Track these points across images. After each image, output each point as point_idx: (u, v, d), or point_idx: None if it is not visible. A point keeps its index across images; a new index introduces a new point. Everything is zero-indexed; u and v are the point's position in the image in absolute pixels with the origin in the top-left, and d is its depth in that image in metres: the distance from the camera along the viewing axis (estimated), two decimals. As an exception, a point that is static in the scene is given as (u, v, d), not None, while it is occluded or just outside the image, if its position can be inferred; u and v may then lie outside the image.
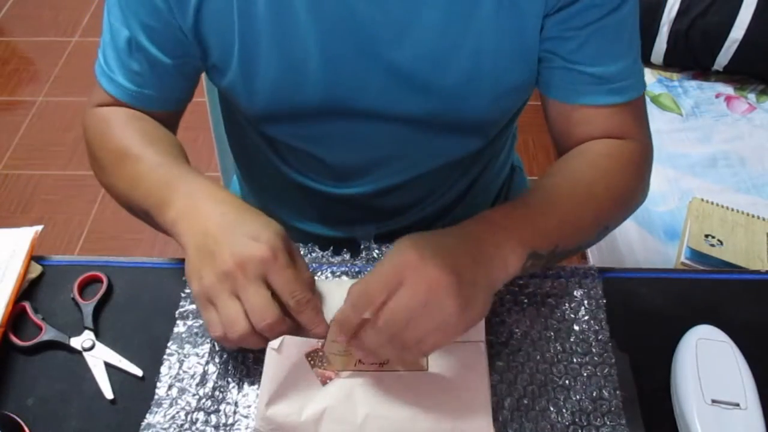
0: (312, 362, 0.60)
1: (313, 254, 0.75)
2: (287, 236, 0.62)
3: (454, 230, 0.61)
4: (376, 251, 0.75)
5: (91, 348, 0.67)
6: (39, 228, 0.75)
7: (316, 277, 0.67)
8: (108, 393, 0.64)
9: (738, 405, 0.60)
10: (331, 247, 0.77)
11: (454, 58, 0.70)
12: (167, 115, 0.79)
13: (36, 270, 0.74)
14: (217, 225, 0.61)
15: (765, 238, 1.30)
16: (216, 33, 0.70)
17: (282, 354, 0.60)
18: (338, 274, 0.73)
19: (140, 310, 0.70)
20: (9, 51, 2.58)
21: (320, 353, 0.60)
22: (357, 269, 0.74)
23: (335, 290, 0.66)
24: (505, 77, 0.72)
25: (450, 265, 0.54)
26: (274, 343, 0.60)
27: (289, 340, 0.60)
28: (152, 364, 0.65)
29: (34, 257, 0.74)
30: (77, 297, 0.71)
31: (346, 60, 0.70)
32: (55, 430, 0.62)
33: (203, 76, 1.04)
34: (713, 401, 0.60)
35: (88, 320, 0.69)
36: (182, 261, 0.74)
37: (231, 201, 0.64)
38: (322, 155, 0.80)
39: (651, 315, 0.70)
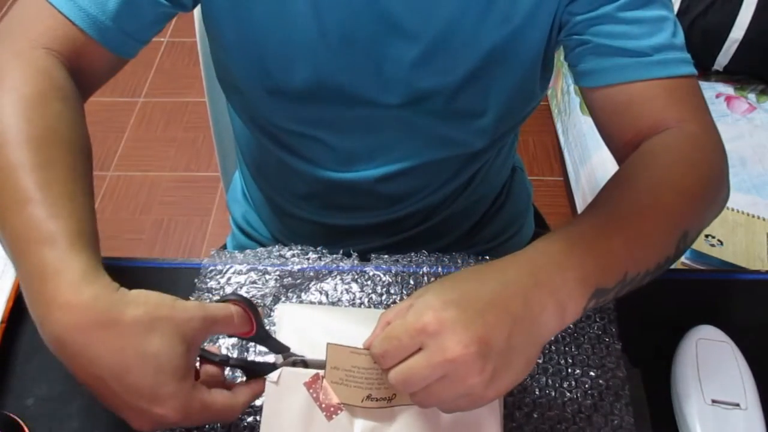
0: (314, 393, 0.57)
1: (323, 260, 0.75)
2: (187, 333, 0.52)
3: (496, 274, 0.52)
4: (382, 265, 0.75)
5: None
6: None
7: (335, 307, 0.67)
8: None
9: (738, 405, 0.60)
10: (341, 251, 0.76)
11: (464, 51, 0.69)
12: (114, 61, 0.67)
13: (36, 269, 0.73)
14: (108, 370, 0.48)
15: (765, 238, 1.30)
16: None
17: (281, 386, 0.57)
18: (348, 281, 0.73)
19: (140, 310, 0.70)
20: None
21: (321, 382, 0.57)
22: (366, 275, 0.73)
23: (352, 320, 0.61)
24: (511, 72, 0.72)
25: (476, 333, 0.47)
26: (272, 376, 0.57)
27: (288, 370, 0.57)
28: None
29: (34, 257, 0.74)
30: None
31: (357, 48, 0.69)
32: (55, 430, 0.62)
33: (203, 75, 1.04)
34: (713, 401, 0.60)
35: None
36: (183, 261, 0.74)
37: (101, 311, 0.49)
38: (322, 137, 0.80)
39: (651, 315, 0.70)
